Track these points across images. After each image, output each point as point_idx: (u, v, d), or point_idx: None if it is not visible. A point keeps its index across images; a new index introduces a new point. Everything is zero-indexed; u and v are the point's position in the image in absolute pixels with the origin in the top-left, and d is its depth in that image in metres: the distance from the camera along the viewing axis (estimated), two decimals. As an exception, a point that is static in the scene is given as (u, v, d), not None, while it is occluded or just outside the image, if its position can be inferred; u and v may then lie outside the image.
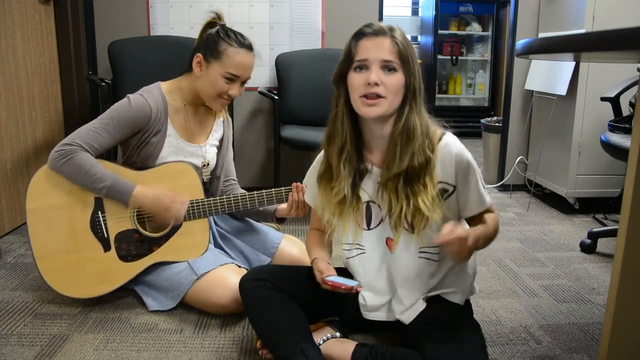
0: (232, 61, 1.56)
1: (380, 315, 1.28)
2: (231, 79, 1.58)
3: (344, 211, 1.23)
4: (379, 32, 1.14)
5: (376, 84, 1.12)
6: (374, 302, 1.28)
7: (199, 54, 1.59)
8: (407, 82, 1.15)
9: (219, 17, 1.64)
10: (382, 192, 1.20)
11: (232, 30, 1.61)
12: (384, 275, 1.26)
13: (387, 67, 1.13)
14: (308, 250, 1.39)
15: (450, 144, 1.19)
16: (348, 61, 1.17)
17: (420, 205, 1.14)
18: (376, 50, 1.13)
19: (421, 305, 1.25)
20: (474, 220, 1.24)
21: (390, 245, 1.25)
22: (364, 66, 1.14)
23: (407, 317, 1.25)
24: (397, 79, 1.14)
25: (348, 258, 1.31)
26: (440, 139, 1.19)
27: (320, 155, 1.32)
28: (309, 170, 1.37)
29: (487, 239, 1.18)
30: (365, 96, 1.13)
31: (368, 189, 1.24)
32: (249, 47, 1.61)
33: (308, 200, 1.41)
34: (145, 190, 1.54)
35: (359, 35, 1.16)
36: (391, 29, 1.16)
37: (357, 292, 1.18)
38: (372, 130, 1.21)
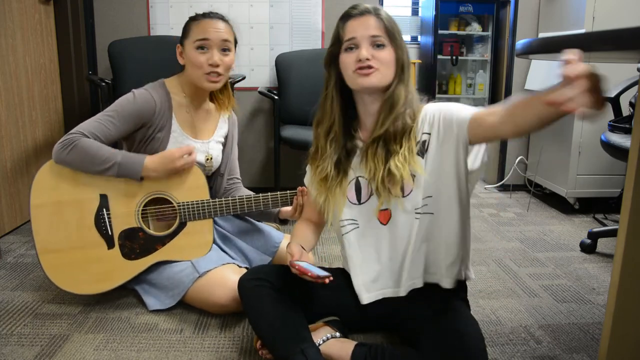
0: (197, 30, 1.58)
1: (377, 294, 1.28)
2: (203, 46, 1.57)
3: (330, 189, 1.27)
4: (364, 12, 1.20)
5: (367, 59, 1.17)
6: (371, 281, 1.28)
7: (178, 44, 1.64)
8: (397, 56, 1.21)
9: None
10: (365, 164, 1.24)
11: (199, 13, 1.64)
12: (379, 249, 1.27)
13: (376, 43, 1.18)
14: (291, 237, 1.39)
15: (427, 107, 1.24)
16: (337, 44, 1.23)
17: (391, 167, 1.18)
18: (363, 28, 1.19)
19: (419, 283, 1.26)
20: (487, 119, 1.08)
21: (381, 218, 1.25)
22: (353, 45, 1.20)
23: (405, 289, 1.26)
24: (387, 52, 1.19)
25: (343, 234, 1.31)
26: (422, 109, 1.24)
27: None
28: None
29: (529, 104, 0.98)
30: (359, 68, 1.18)
31: (356, 166, 1.27)
32: (215, 15, 1.62)
33: (305, 183, 1.43)
34: (153, 158, 1.55)
35: (346, 16, 1.23)
36: (375, 9, 1.22)
37: (324, 284, 1.13)
38: (365, 105, 1.25)
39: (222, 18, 1.62)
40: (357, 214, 1.28)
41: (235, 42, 1.66)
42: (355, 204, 1.28)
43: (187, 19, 1.65)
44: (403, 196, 1.21)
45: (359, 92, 1.25)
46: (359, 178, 1.27)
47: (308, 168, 1.38)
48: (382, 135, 1.20)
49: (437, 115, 1.20)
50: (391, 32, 1.20)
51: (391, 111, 1.20)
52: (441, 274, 1.26)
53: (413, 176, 1.20)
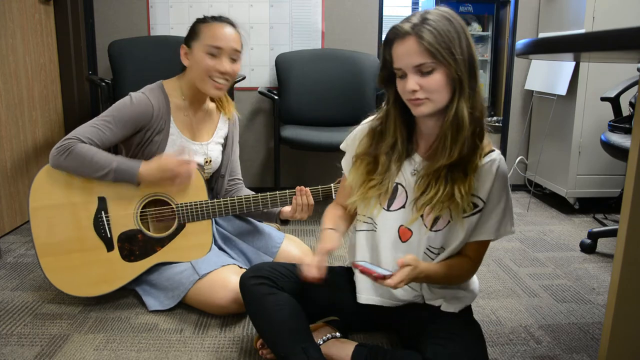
0: (208, 33, 1.56)
1: (375, 300, 1.28)
2: (214, 53, 1.56)
3: (373, 194, 1.23)
4: (405, 34, 1.09)
5: (415, 90, 1.11)
6: (370, 283, 1.27)
7: (183, 45, 1.61)
8: (451, 75, 1.10)
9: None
10: (419, 181, 1.19)
11: (210, 16, 1.62)
12: (389, 261, 1.25)
13: (422, 71, 1.10)
14: (323, 219, 1.35)
15: (497, 161, 1.17)
16: (386, 68, 1.17)
17: (455, 193, 1.13)
18: (407, 56, 1.10)
19: (420, 301, 1.26)
20: (463, 250, 1.22)
21: (401, 233, 1.24)
22: (403, 74, 1.13)
23: (403, 295, 1.26)
24: (435, 78, 1.10)
25: (357, 230, 1.29)
26: (488, 152, 1.18)
27: (363, 126, 1.29)
28: (350, 135, 1.33)
29: (432, 280, 1.19)
30: (410, 100, 1.14)
31: (404, 172, 1.23)
32: (226, 20, 1.60)
33: (343, 166, 1.36)
34: (150, 164, 1.53)
35: (388, 41, 1.14)
36: (416, 25, 1.09)
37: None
38: (425, 123, 1.20)
39: (233, 24, 1.61)
40: (381, 218, 1.25)
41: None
42: (384, 208, 1.24)
43: (195, 19, 1.63)
44: (430, 229, 1.19)
45: None
46: (399, 185, 1.23)
47: (346, 146, 1.33)
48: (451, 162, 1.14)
49: (492, 197, 1.17)
50: (437, 52, 1.07)
51: (459, 133, 1.11)
52: (442, 304, 1.26)
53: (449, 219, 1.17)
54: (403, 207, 1.22)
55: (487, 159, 1.17)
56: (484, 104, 1.15)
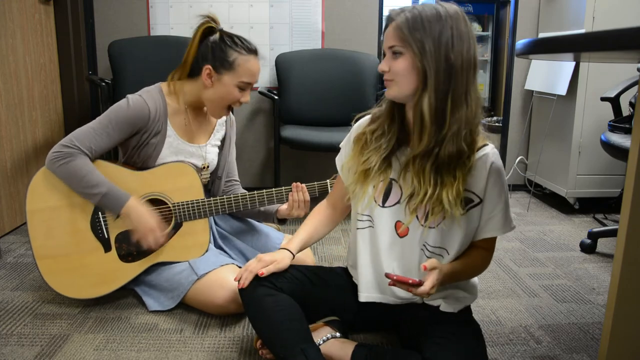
0: (244, 70, 1.55)
1: (377, 297, 1.28)
2: (244, 88, 1.58)
3: (367, 181, 1.23)
4: (388, 20, 1.16)
5: (384, 70, 1.15)
6: (372, 282, 1.27)
7: (209, 66, 1.55)
8: (416, 64, 1.10)
9: (214, 21, 1.59)
10: (405, 173, 1.19)
11: (236, 36, 1.58)
12: (387, 257, 1.25)
13: (393, 52, 1.13)
14: (305, 220, 1.41)
15: (490, 155, 1.16)
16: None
17: (442, 197, 1.12)
18: (386, 39, 1.15)
19: (419, 301, 1.26)
20: (474, 250, 1.23)
21: (398, 228, 1.24)
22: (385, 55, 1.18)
23: (402, 301, 1.26)
24: (400, 62, 1.12)
25: (358, 229, 1.29)
26: (481, 147, 1.17)
27: (360, 122, 1.30)
28: (349, 133, 1.34)
29: (456, 279, 1.20)
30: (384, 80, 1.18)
31: (397, 167, 1.23)
32: (256, 52, 1.60)
33: (337, 162, 1.38)
34: (139, 206, 1.53)
35: (384, 27, 1.19)
36: (399, 12, 1.13)
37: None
38: (408, 111, 1.20)
39: (258, 54, 1.60)
40: (377, 214, 1.25)
41: None
42: (379, 205, 1.24)
43: (223, 40, 1.55)
44: (423, 224, 1.19)
45: None
46: (393, 181, 1.23)
47: (343, 144, 1.35)
48: (429, 155, 1.13)
49: (489, 193, 1.17)
50: (407, 38, 1.09)
51: (422, 126, 1.12)
52: (441, 304, 1.26)
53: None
54: (398, 202, 1.23)
55: (480, 153, 1.16)
56: (478, 107, 1.14)
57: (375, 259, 1.26)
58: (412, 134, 1.19)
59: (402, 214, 1.22)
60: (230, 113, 1.82)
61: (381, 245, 1.25)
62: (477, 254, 1.23)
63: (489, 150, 1.18)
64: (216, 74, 1.55)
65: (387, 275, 1.10)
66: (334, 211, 1.43)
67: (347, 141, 1.34)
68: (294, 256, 1.34)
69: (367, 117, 1.29)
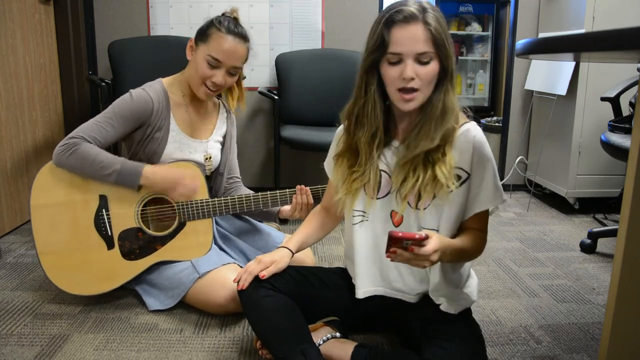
0: (216, 44, 1.55)
1: (374, 290, 1.28)
2: (213, 64, 1.56)
3: (359, 188, 1.22)
4: (411, 18, 1.07)
5: (412, 79, 1.09)
6: (370, 277, 1.27)
7: (191, 38, 1.60)
8: (443, 66, 1.11)
9: (234, 11, 1.65)
10: (398, 168, 1.18)
11: (228, 18, 1.60)
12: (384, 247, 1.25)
13: (422, 60, 1.09)
14: (301, 225, 1.42)
15: (471, 130, 1.16)
16: (380, 50, 1.11)
17: (437, 173, 1.12)
18: (411, 42, 1.07)
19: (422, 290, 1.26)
20: (469, 230, 1.21)
21: (394, 217, 1.24)
22: (399, 60, 1.10)
23: (402, 286, 1.26)
24: (431, 68, 1.10)
25: (353, 224, 1.28)
26: (462, 124, 1.17)
27: (340, 129, 1.29)
28: (332, 142, 1.33)
29: (456, 256, 1.14)
30: (402, 89, 1.11)
31: (384, 158, 1.22)
32: (239, 36, 1.59)
33: (326, 168, 1.38)
34: (156, 168, 1.55)
35: (390, 22, 1.09)
36: (423, 10, 1.08)
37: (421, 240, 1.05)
38: (401, 110, 1.18)
39: (244, 39, 1.60)
40: (370, 207, 1.25)
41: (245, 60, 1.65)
42: (371, 197, 1.24)
43: (215, 17, 1.60)
44: (416, 207, 1.18)
45: None
46: (382, 172, 1.22)
47: (331, 152, 1.34)
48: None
49: (476, 166, 1.16)
50: (439, 41, 1.08)
51: (444, 122, 1.12)
52: (441, 302, 1.24)
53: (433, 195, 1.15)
54: (389, 192, 1.23)
55: (461, 130, 1.16)
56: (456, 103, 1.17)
57: (373, 251, 1.27)
58: (400, 120, 1.21)
59: (395, 203, 1.22)
60: (231, 113, 1.82)
61: (378, 236, 1.25)
62: (471, 233, 1.20)
63: (469, 126, 1.17)
64: (195, 46, 1.60)
65: (391, 234, 1.02)
66: (328, 214, 1.44)
67: (333, 147, 1.32)
68: (293, 254, 1.34)
69: (342, 129, 1.27)
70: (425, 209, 1.18)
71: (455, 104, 1.15)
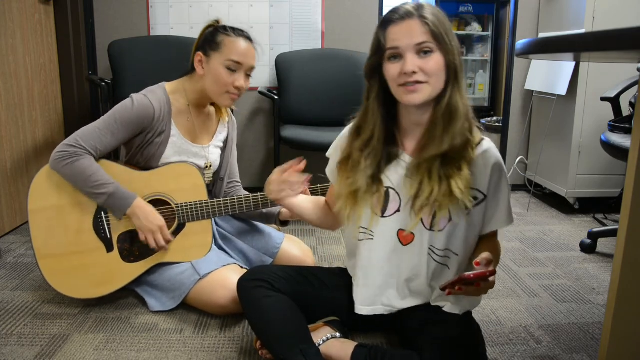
0: (231, 48, 1.55)
1: (375, 309, 1.27)
2: (233, 68, 1.56)
3: (357, 201, 1.19)
4: (406, 15, 1.07)
5: (413, 72, 1.07)
6: (370, 295, 1.26)
7: (199, 52, 1.58)
8: (447, 61, 1.09)
9: (217, 22, 1.63)
10: (414, 178, 1.14)
11: (230, 26, 1.60)
12: (388, 268, 1.24)
13: (422, 50, 1.07)
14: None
15: (490, 150, 1.15)
16: (379, 52, 1.11)
17: (453, 188, 1.09)
18: (406, 35, 1.07)
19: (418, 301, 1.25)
20: (486, 241, 1.22)
21: (401, 237, 1.21)
22: (397, 55, 1.09)
23: (402, 305, 1.25)
24: (435, 60, 1.08)
25: (359, 240, 1.26)
26: (479, 143, 1.15)
27: (346, 130, 1.26)
28: (334, 143, 1.31)
29: (495, 265, 1.15)
30: (404, 84, 1.08)
31: (391, 176, 1.19)
32: (247, 37, 1.60)
33: (328, 174, 1.35)
34: (145, 206, 1.54)
35: (386, 22, 1.10)
36: (419, 8, 1.08)
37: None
38: (412, 116, 1.16)
39: (251, 39, 1.60)
40: (375, 225, 1.21)
41: None
42: (376, 214, 1.20)
43: (213, 26, 1.60)
44: (430, 229, 1.17)
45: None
46: (390, 189, 1.19)
47: (331, 154, 1.31)
48: (441, 154, 1.10)
49: (493, 188, 1.15)
50: (439, 34, 1.06)
51: (451, 124, 1.09)
52: (446, 305, 1.24)
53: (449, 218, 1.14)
54: (398, 210, 1.20)
55: (479, 150, 1.15)
56: (469, 105, 1.15)
57: (376, 271, 1.25)
58: (410, 132, 1.18)
59: (405, 220, 1.19)
60: (232, 116, 1.82)
61: (382, 256, 1.23)
62: (491, 241, 1.22)
63: (487, 145, 1.17)
64: (206, 57, 1.57)
65: (464, 277, 0.99)
66: (330, 212, 1.41)
67: (334, 151, 1.31)
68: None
69: (347, 132, 1.25)
70: (440, 230, 1.16)
71: (464, 105, 1.12)
